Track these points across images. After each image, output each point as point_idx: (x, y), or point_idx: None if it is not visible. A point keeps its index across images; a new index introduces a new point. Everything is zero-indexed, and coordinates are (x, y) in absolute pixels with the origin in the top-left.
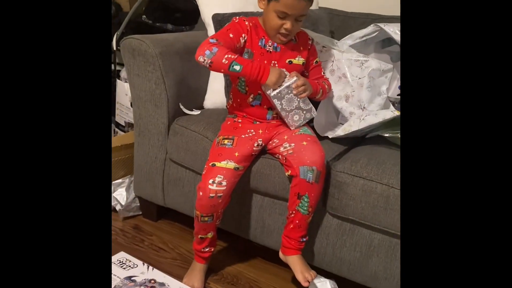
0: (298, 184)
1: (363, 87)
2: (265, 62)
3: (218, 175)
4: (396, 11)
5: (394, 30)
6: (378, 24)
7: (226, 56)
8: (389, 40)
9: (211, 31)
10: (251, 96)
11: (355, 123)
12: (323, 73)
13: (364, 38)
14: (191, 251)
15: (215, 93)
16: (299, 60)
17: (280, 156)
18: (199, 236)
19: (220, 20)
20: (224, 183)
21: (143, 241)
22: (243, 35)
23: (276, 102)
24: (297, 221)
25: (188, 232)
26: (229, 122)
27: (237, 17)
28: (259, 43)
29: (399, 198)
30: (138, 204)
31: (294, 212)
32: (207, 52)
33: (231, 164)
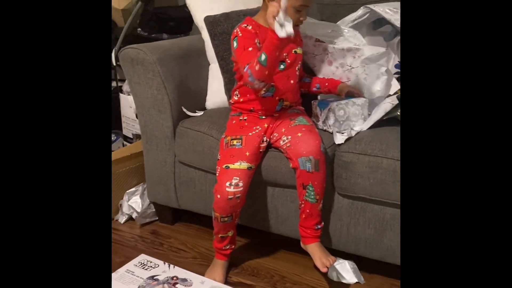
0: (301, 175)
1: (359, 77)
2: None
3: (234, 177)
4: None
5: (384, 10)
6: (367, 6)
7: (254, 65)
8: (380, 21)
9: (205, 34)
10: (264, 88)
11: (358, 125)
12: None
13: (355, 22)
14: (211, 249)
15: (216, 93)
16: (299, 50)
17: (281, 150)
18: (220, 235)
19: (212, 21)
20: (240, 184)
21: (162, 245)
22: (256, 41)
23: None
24: (307, 211)
25: (205, 231)
26: (234, 121)
27: (236, 29)
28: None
29: None
30: (154, 210)
31: (303, 202)
32: (249, 78)
33: (244, 165)
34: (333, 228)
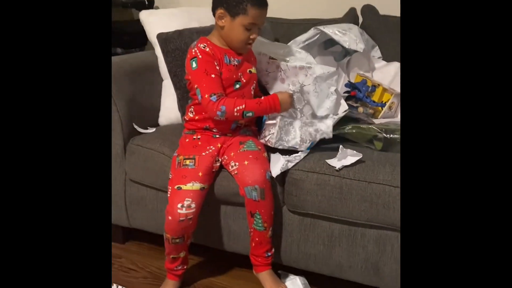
0: (248, 204)
1: (310, 94)
2: (234, 76)
3: (186, 198)
4: (333, 14)
5: (333, 31)
6: (317, 27)
7: (235, 109)
8: (331, 41)
9: (158, 50)
10: None
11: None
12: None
13: (306, 42)
14: (162, 269)
15: (169, 110)
16: (254, 69)
17: (231, 174)
18: (171, 256)
19: (164, 38)
20: (193, 205)
21: (112, 265)
22: (215, 63)
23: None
24: (257, 239)
25: (156, 250)
26: (187, 140)
27: (193, 49)
28: (225, 61)
29: (351, 187)
30: None
31: (252, 230)
32: (218, 113)
33: (197, 185)
34: (284, 244)
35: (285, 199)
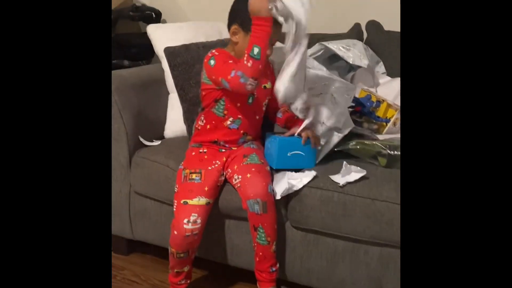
0: (251, 217)
1: (325, 103)
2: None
3: (193, 214)
4: (338, 29)
5: (338, 47)
6: (322, 43)
7: (246, 64)
8: (335, 56)
9: (164, 63)
10: (230, 119)
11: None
12: None
13: (311, 57)
14: (164, 281)
15: (174, 122)
16: (269, 85)
17: (234, 187)
18: (175, 270)
19: (172, 51)
20: (198, 220)
21: (115, 276)
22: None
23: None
24: (260, 253)
25: (160, 262)
26: (193, 153)
27: (209, 53)
28: None
29: (355, 204)
30: None
31: (255, 244)
32: (241, 80)
33: (203, 200)
34: (287, 259)
35: (288, 214)
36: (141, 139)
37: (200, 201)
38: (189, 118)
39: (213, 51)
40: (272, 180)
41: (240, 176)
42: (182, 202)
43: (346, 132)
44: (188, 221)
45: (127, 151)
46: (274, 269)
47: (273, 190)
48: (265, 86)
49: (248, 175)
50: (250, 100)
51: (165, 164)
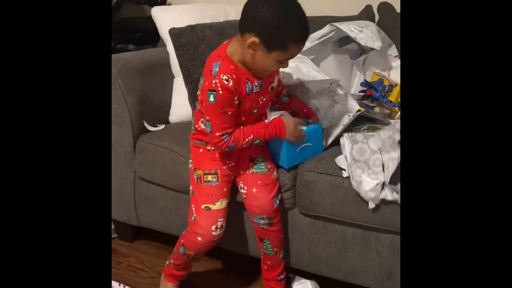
0: (257, 229)
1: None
2: (254, 105)
3: (219, 219)
4: (349, 12)
5: (349, 28)
6: (333, 23)
7: (243, 141)
8: (346, 39)
9: (169, 46)
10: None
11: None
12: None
13: (321, 39)
14: None
15: (180, 107)
16: (276, 81)
17: (241, 194)
18: (181, 266)
19: (177, 32)
20: (224, 224)
21: (120, 263)
22: (235, 99)
23: None
24: (268, 262)
25: (165, 249)
26: (201, 150)
27: (214, 79)
28: (247, 90)
29: None
30: (113, 227)
31: (262, 254)
32: (227, 149)
33: (224, 202)
34: (294, 246)
35: (297, 201)
36: (146, 124)
37: (222, 204)
38: (194, 100)
39: (217, 78)
40: (280, 187)
41: (245, 187)
42: (203, 207)
43: (356, 113)
44: (217, 228)
45: (131, 136)
46: (282, 276)
47: (279, 200)
48: (272, 87)
49: (254, 190)
50: (255, 111)
51: (169, 148)
